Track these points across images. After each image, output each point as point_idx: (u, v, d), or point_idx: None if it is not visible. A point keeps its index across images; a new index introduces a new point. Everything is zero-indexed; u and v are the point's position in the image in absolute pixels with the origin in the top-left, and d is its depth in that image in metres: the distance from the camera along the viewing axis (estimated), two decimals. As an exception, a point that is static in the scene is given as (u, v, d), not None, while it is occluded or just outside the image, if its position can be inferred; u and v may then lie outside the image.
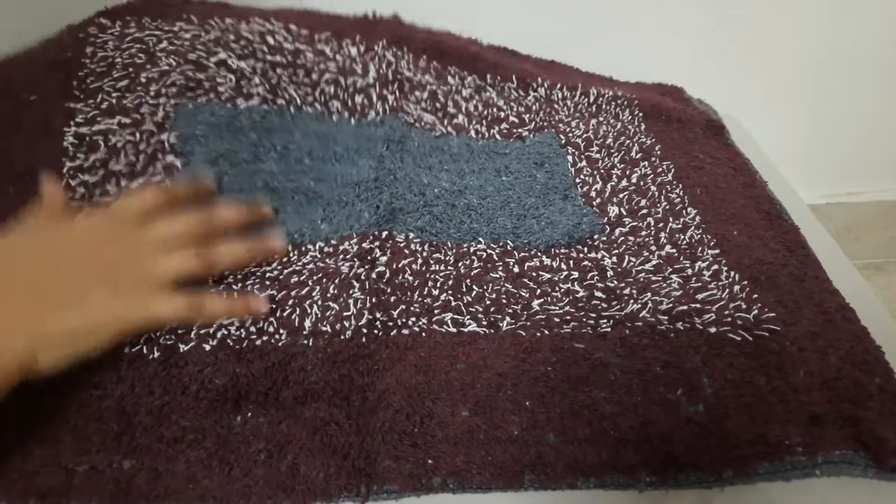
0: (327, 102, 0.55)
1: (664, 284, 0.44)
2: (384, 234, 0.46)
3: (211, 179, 0.47)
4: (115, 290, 0.35)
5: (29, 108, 0.48)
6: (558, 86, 0.65)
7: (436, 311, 0.41)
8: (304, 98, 0.54)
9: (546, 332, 0.41)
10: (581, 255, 0.46)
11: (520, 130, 0.60)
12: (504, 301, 0.43)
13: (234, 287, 0.41)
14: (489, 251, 0.46)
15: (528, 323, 0.41)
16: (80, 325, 0.34)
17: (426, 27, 0.66)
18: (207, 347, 0.37)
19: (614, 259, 0.46)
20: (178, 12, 0.56)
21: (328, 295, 0.41)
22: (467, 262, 0.45)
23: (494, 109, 0.61)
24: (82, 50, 0.51)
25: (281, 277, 0.42)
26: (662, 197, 0.53)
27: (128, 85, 0.50)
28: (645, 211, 0.51)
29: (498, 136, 0.59)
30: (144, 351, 0.37)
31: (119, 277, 0.36)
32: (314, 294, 0.41)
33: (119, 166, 0.46)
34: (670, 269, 0.46)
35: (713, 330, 0.41)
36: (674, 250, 0.47)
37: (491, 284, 0.44)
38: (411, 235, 0.46)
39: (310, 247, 0.45)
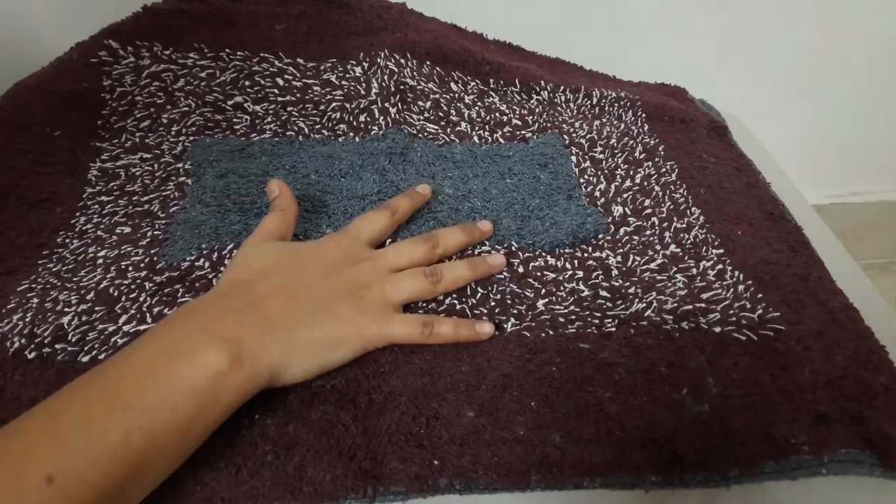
0: (334, 127, 0.58)
1: (669, 284, 0.44)
2: (388, 240, 0.46)
3: (428, 188, 0.50)
4: (359, 307, 0.38)
5: (55, 144, 0.51)
6: (561, 88, 0.65)
7: (440, 314, 0.42)
8: (311, 127, 0.57)
9: (551, 332, 0.41)
10: (585, 255, 0.47)
11: (523, 132, 0.60)
12: (509, 302, 0.43)
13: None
14: (493, 253, 0.46)
15: (533, 323, 0.41)
16: (331, 335, 0.36)
17: (432, 18, 0.67)
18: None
19: (619, 258, 0.46)
20: (189, 39, 0.58)
21: None
22: (472, 264, 0.45)
23: (497, 114, 0.61)
24: (99, 81, 0.55)
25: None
26: (666, 197, 0.53)
27: (150, 125, 0.54)
28: (649, 211, 0.51)
29: (501, 140, 0.59)
30: None
31: (362, 296, 0.38)
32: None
33: (134, 188, 0.50)
34: (675, 269, 0.46)
35: (718, 329, 0.41)
36: (678, 250, 0.47)
37: (496, 285, 0.44)
38: (415, 240, 0.47)
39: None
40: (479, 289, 0.43)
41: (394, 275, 0.41)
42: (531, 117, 0.62)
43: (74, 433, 0.28)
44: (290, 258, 0.40)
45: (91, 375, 0.31)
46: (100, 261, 0.44)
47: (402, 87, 0.60)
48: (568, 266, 0.46)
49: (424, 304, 0.42)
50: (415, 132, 0.58)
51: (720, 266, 0.46)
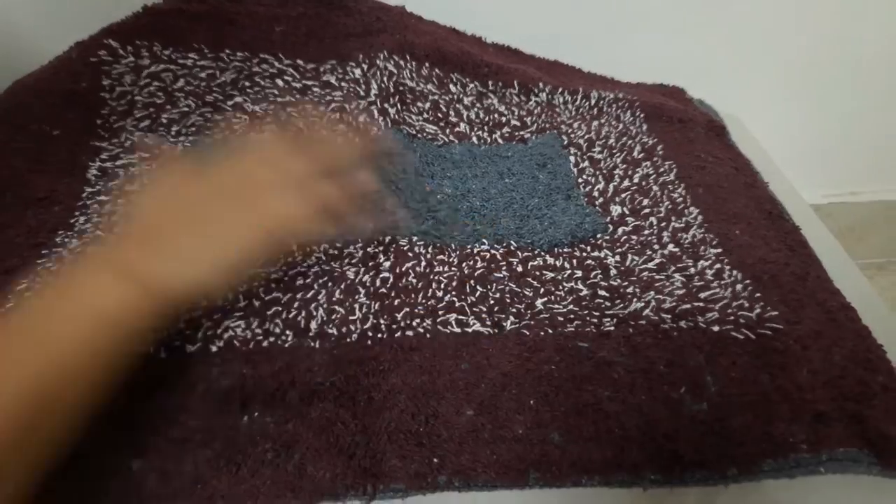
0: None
1: (667, 283, 0.44)
2: (387, 239, 0.46)
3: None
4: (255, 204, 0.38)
5: (53, 143, 0.51)
6: (560, 90, 0.65)
7: (440, 313, 0.42)
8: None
9: (550, 331, 0.41)
10: (584, 254, 0.47)
11: (522, 133, 0.60)
12: (508, 301, 0.43)
13: (239, 288, 0.41)
14: (493, 252, 0.46)
15: (532, 322, 0.41)
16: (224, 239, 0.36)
17: (431, 21, 0.67)
18: (214, 349, 0.38)
19: (617, 258, 0.46)
20: (189, 39, 0.58)
21: (333, 299, 0.42)
22: (471, 263, 0.45)
23: (496, 115, 0.61)
24: (98, 80, 0.55)
25: (286, 279, 0.43)
26: (665, 196, 0.53)
27: (149, 125, 0.54)
28: (647, 210, 0.51)
29: (500, 141, 0.59)
30: (151, 351, 0.37)
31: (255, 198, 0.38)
32: (320, 297, 0.42)
33: (132, 187, 0.49)
34: (673, 268, 0.46)
35: (716, 329, 0.41)
36: (676, 249, 0.48)
37: (495, 284, 0.44)
38: (415, 239, 0.47)
39: (314, 248, 0.45)
40: (478, 287, 0.43)
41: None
42: (530, 118, 0.62)
43: None
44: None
45: None
46: (99, 260, 0.44)
47: (401, 88, 0.60)
48: (567, 265, 0.46)
49: (424, 302, 0.42)
50: (414, 133, 0.58)
51: (718, 265, 0.46)
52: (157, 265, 0.34)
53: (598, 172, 0.55)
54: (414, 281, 0.44)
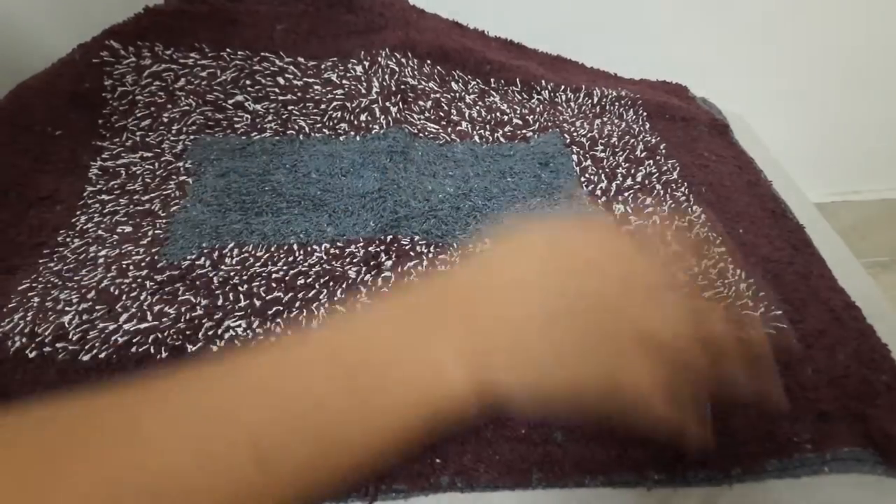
0: (335, 126, 0.58)
1: (670, 283, 0.44)
2: (389, 238, 0.46)
3: None
4: None
5: (56, 143, 0.51)
6: (562, 87, 0.65)
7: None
8: (312, 126, 0.57)
9: (552, 330, 0.41)
10: (587, 255, 0.46)
11: (524, 132, 0.60)
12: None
13: (240, 287, 0.41)
14: (495, 251, 0.46)
15: (535, 322, 0.41)
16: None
17: (434, 15, 0.67)
18: (214, 348, 0.38)
19: (620, 258, 0.46)
20: (190, 39, 0.58)
21: (335, 298, 0.42)
22: (473, 262, 0.45)
23: (498, 113, 0.61)
24: (100, 81, 0.55)
25: (287, 279, 0.43)
26: (668, 195, 0.53)
27: (150, 124, 0.54)
28: (650, 209, 0.51)
29: (502, 139, 0.59)
30: (152, 351, 0.37)
31: None
32: (321, 297, 0.42)
33: (135, 186, 0.50)
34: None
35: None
36: (680, 248, 0.47)
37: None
38: (416, 238, 0.47)
39: (315, 247, 0.45)
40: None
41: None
42: (532, 116, 0.62)
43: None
44: None
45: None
46: (101, 260, 0.44)
47: (402, 86, 0.60)
48: (569, 264, 0.45)
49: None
50: (416, 131, 0.58)
51: (721, 264, 0.46)
52: (503, 363, 0.25)
53: (600, 171, 0.55)
54: (416, 280, 0.43)
